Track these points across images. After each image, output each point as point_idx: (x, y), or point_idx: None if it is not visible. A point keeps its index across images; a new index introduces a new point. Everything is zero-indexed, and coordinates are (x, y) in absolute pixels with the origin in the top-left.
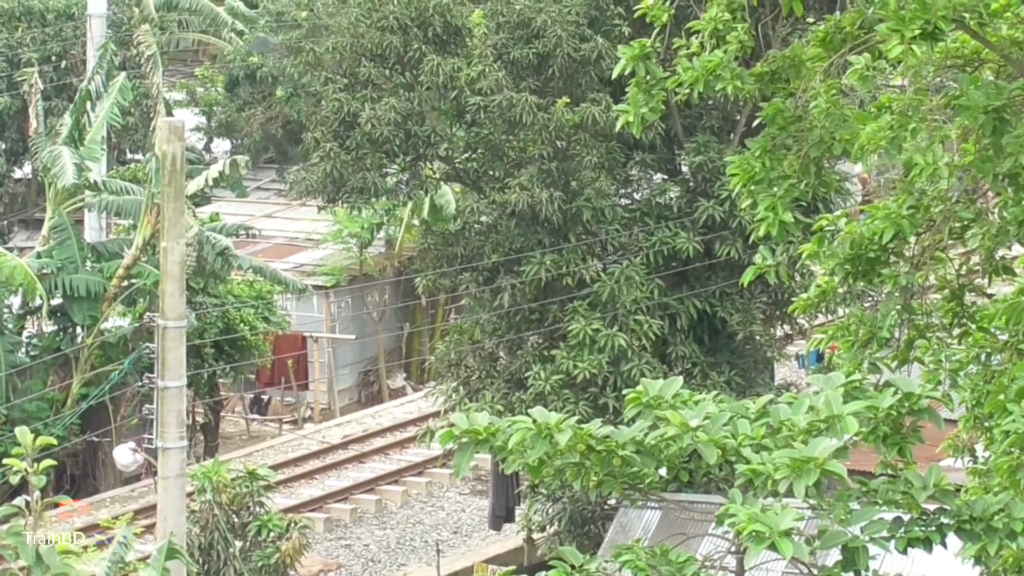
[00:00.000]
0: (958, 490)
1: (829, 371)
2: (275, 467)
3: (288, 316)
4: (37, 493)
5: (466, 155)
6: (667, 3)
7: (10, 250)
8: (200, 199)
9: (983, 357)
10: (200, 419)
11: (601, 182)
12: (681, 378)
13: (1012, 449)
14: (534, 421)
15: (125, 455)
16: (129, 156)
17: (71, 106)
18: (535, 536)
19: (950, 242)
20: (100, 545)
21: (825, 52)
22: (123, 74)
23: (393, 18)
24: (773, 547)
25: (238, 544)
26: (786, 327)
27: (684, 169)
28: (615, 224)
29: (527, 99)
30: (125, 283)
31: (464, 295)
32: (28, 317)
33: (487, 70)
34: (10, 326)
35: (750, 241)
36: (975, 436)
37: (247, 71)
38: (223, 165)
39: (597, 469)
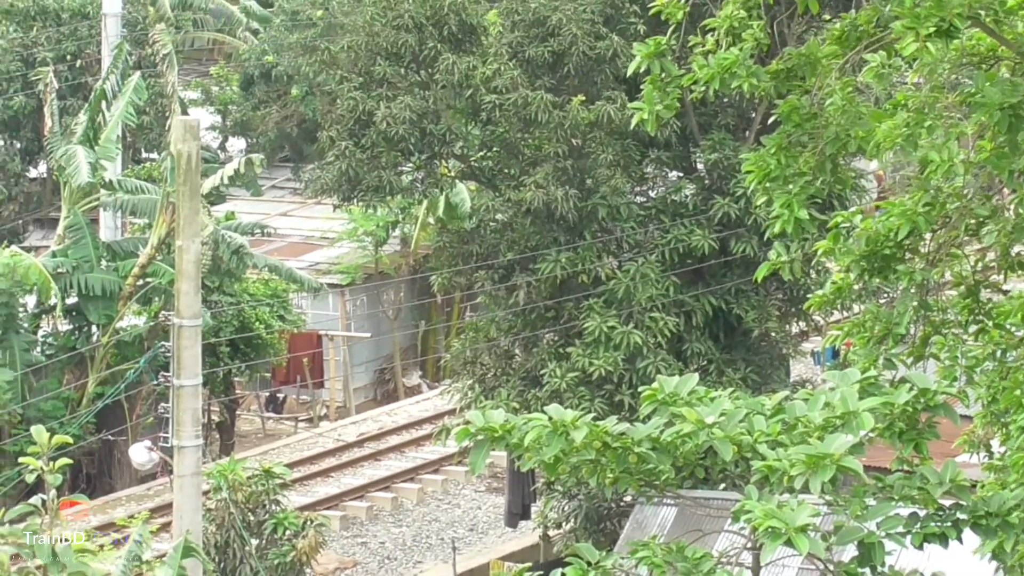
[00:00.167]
0: (974, 486)
1: (845, 367)
2: (291, 465)
3: (303, 314)
4: (53, 492)
5: (481, 153)
6: (682, 1)
7: (26, 249)
8: (215, 198)
9: (999, 353)
10: (216, 417)
11: (616, 180)
12: (697, 375)
13: None
14: (550, 418)
15: (141, 454)
16: (144, 155)
17: (86, 105)
18: (551, 533)
19: (966, 239)
20: (116, 544)
21: (841, 50)
22: (138, 73)
23: (408, 17)
24: (789, 543)
25: (254, 542)
26: (802, 324)
27: (699, 167)
28: (630, 222)
29: (542, 97)
30: (140, 282)
31: (479, 293)
32: (43, 316)
33: (502, 68)
34: (26, 325)
35: (765, 238)
36: (991, 432)
37: (262, 70)
38: (238, 164)
39: (613, 466)
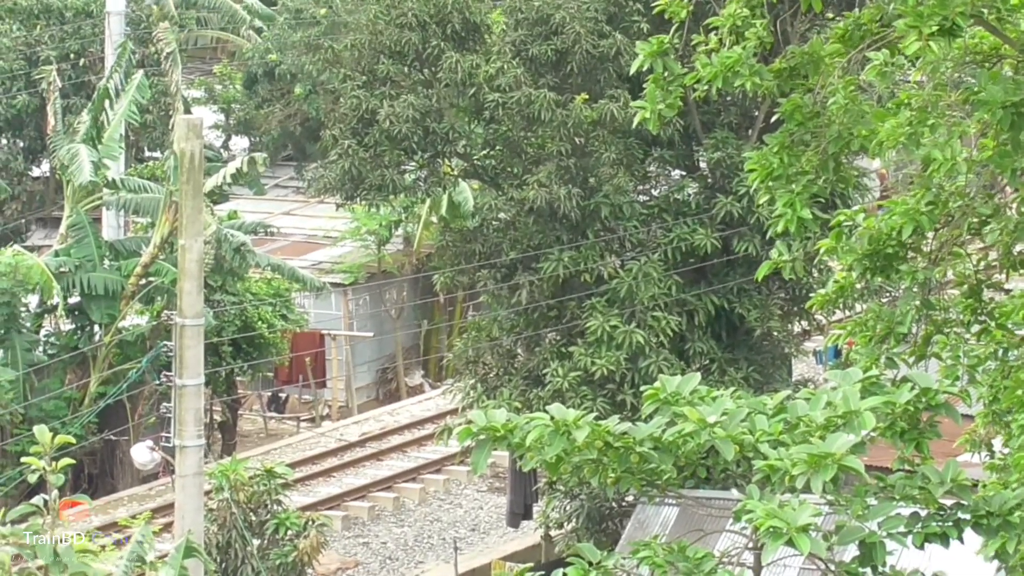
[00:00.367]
0: (975, 485)
1: (847, 367)
2: (293, 465)
3: (306, 314)
4: (55, 492)
5: (484, 152)
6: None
7: (28, 248)
8: (218, 197)
9: (1001, 353)
10: (218, 417)
11: (619, 179)
12: (699, 374)
13: None
14: (552, 418)
15: (143, 453)
16: (147, 154)
17: (89, 104)
18: (553, 533)
19: (968, 237)
20: (118, 544)
21: (844, 48)
22: (141, 72)
23: (412, 15)
24: (791, 543)
25: (256, 542)
26: (804, 323)
27: (702, 165)
28: (633, 221)
29: (545, 96)
30: (143, 281)
31: (482, 292)
32: (46, 315)
33: (505, 67)
34: (28, 324)
35: (768, 237)
36: (993, 431)
37: (265, 68)
38: (241, 163)
39: (615, 466)
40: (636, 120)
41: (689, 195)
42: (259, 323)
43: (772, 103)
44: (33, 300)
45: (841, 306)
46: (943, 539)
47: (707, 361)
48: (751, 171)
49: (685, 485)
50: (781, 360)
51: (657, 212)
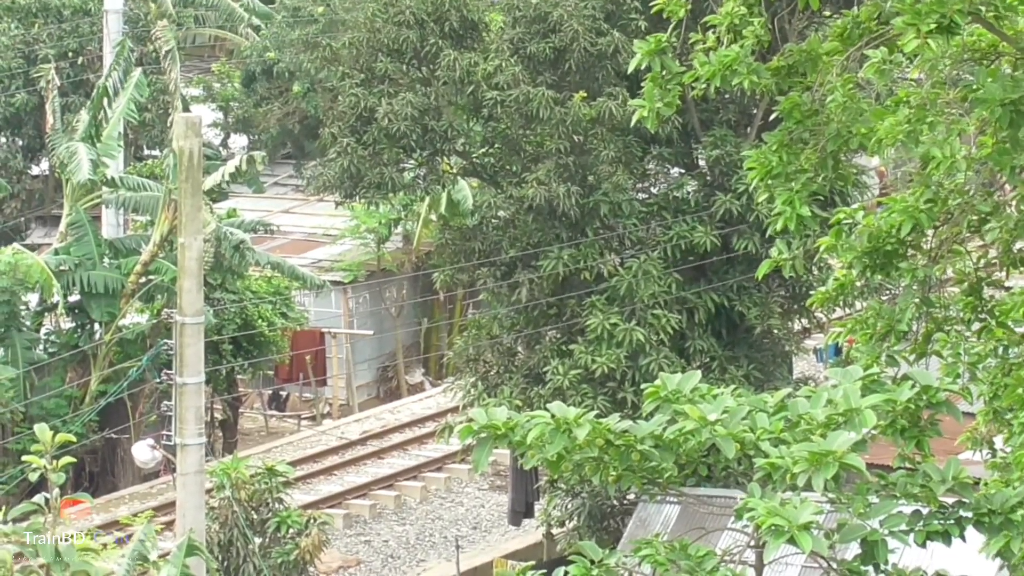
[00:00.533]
0: (977, 483)
1: (847, 364)
2: (294, 463)
3: (306, 312)
4: (56, 490)
5: (483, 150)
6: None
7: (28, 247)
8: (217, 195)
9: (1001, 350)
10: (218, 415)
11: (618, 176)
12: (699, 372)
13: None
14: (552, 416)
15: (144, 452)
16: (146, 152)
17: (88, 102)
18: (554, 531)
19: (968, 235)
20: (119, 542)
21: (842, 46)
22: (139, 70)
23: (410, 13)
24: (792, 541)
25: (257, 540)
26: (804, 321)
27: (701, 163)
28: (632, 218)
29: (544, 93)
30: (143, 279)
31: (482, 290)
32: (46, 314)
33: (504, 65)
34: (28, 323)
35: (767, 235)
36: (994, 429)
37: (264, 66)
38: (240, 161)
39: (616, 464)
40: (634, 119)
41: (688, 193)
42: (259, 321)
43: (771, 100)
44: (33, 298)
45: (841, 304)
46: (945, 537)
47: (707, 359)
48: (750, 169)
49: (686, 483)
50: (781, 358)
51: (656, 210)
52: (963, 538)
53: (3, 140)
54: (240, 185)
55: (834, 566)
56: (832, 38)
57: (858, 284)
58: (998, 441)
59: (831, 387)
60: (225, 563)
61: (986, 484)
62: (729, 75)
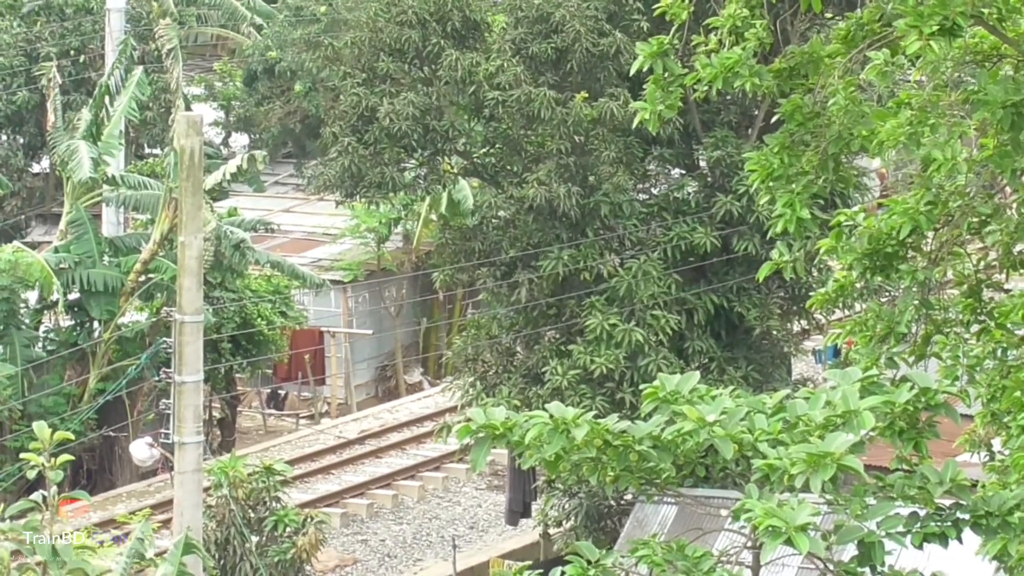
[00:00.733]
0: (974, 485)
1: (846, 366)
2: (292, 462)
3: (305, 311)
4: (54, 488)
5: (484, 150)
6: (686, 0)
7: (28, 244)
8: (218, 194)
9: (1000, 353)
10: (217, 414)
11: (619, 177)
12: (698, 373)
13: None
14: (551, 416)
15: (142, 450)
16: (147, 150)
17: (89, 100)
18: (551, 531)
19: (968, 237)
20: (116, 540)
21: (845, 48)
22: (140, 68)
23: (412, 12)
24: (789, 542)
25: (254, 539)
26: (803, 322)
27: (702, 164)
28: (633, 219)
29: (545, 94)
30: (142, 278)
31: (481, 290)
32: (45, 312)
33: (505, 65)
34: (27, 321)
35: (768, 236)
36: (992, 432)
37: (265, 65)
38: (241, 160)
39: (614, 464)
40: (636, 120)
41: (689, 194)
42: (258, 320)
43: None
44: (32, 296)
45: (840, 305)
46: (942, 539)
47: (706, 360)
48: (751, 171)
49: (684, 484)
50: (780, 359)
51: (657, 211)
52: (960, 540)
53: (4, 138)
54: (241, 184)
55: (831, 567)
56: (835, 40)
57: (858, 286)
58: (996, 443)
59: (830, 388)
60: (222, 561)
61: (984, 486)
62: (731, 77)
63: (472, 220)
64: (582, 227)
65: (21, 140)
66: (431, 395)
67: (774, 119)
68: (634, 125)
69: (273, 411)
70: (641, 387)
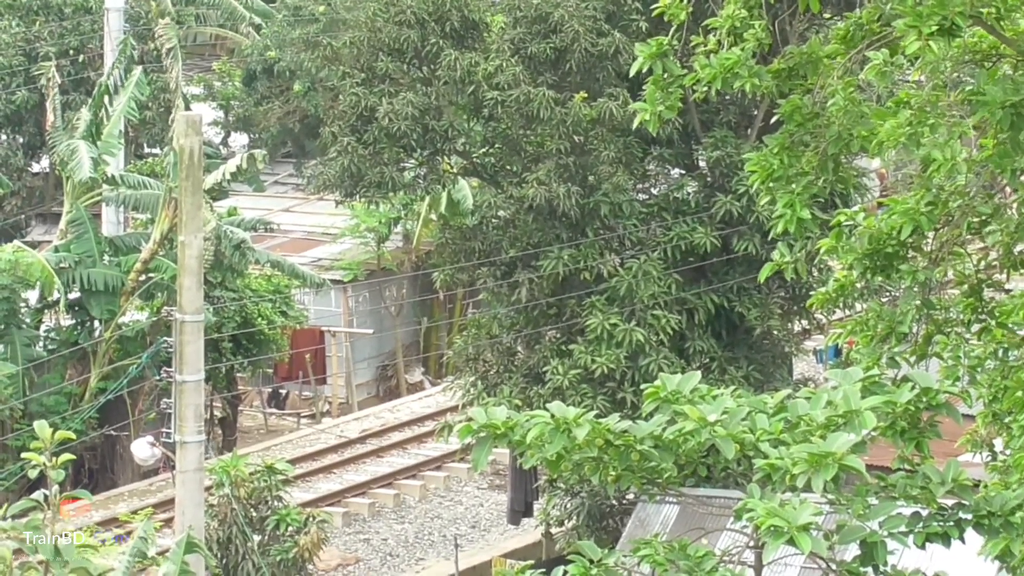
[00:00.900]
0: (976, 485)
1: (847, 366)
2: (293, 461)
3: (306, 310)
4: (55, 487)
5: (483, 150)
6: (685, 1)
7: (28, 244)
8: (218, 193)
9: (1001, 353)
10: (218, 413)
11: (618, 177)
12: (699, 373)
13: None
14: (552, 416)
15: (143, 449)
16: (147, 150)
17: (89, 100)
18: (553, 531)
19: (968, 237)
20: (118, 539)
21: (843, 48)
22: (139, 68)
23: (410, 12)
24: (791, 542)
25: (256, 538)
26: (804, 322)
27: (702, 164)
28: (632, 219)
29: (544, 94)
30: (143, 277)
31: (482, 290)
32: (46, 311)
33: (504, 65)
34: (28, 320)
35: (768, 236)
36: (993, 432)
37: (264, 65)
38: (241, 159)
39: (615, 464)
40: (636, 122)
41: (688, 193)
42: (259, 319)
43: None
44: (33, 295)
45: (841, 305)
46: (944, 539)
47: (707, 360)
48: (751, 172)
49: (686, 483)
50: (781, 359)
51: (656, 210)
52: (962, 540)
53: (4, 137)
54: (240, 184)
55: (833, 567)
56: (834, 40)
57: (858, 286)
58: (998, 443)
59: (831, 388)
60: (224, 560)
61: (986, 486)
62: (730, 78)
63: (472, 220)
64: (582, 227)
65: (21, 139)
66: (432, 394)
67: (773, 119)
68: (634, 126)
69: (274, 410)
70: (642, 387)
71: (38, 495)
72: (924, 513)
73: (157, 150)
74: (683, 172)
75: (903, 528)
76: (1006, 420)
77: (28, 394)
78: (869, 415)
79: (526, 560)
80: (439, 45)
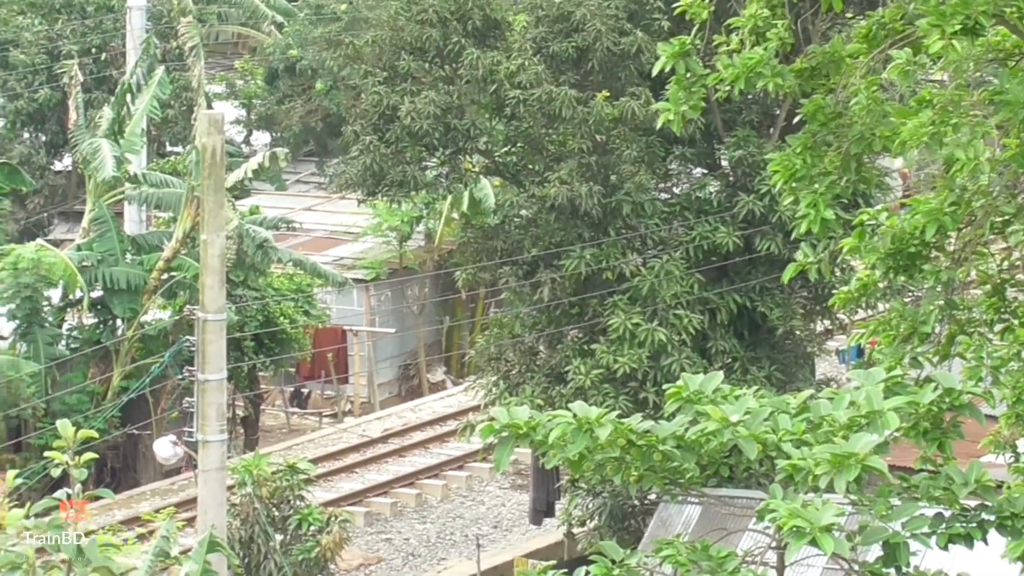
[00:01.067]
0: (999, 486)
1: (870, 366)
2: (315, 461)
3: (328, 309)
4: (78, 486)
5: (505, 149)
6: (707, 0)
7: (51, 242)
8: (240, 192)
9: None
10: (240, 412)
11: (641, 176)
12: (721, 373)
13: None
14: (574, 415)
15: (165, 448)
16: (169, 149)
17: (111, 99)
18: (575, 531)
19: (991, 237)
20: (140, 538)
21: (866, 48)
22: (162, 67)
23: (433, 11)
24: (814, 543)
25: (278, 537)
26: (826, 322)
27: (724, 163)
28: (655, 218)
29: (566, 93)
30: (165, 276)
31: (504, 289)
32: (68, 310)
33: (526, 64)
34: (50, 319)
35: (791, 236)
36: (1017, 433)
37: (287, 64)
38: (263, 158)
39: (637, 464)
40: (659, 122)
41: (711, 193)
42: (281, 318)
43: (794, 102)
44: (56, 294)
45: (864, 305)
46: (967, 540)
47: (729, 360)
48: (774, 172)
49: (708, 484)
50: (804, 359)
51: (679, 210)
52: (985, 541)
53: (26, 136)
54: (262, 182)
55: (856, 568)
56: (856, 40)
57: (881, 285)
58: (1021, 444)
59: (854, 389)
60: (246, 559)
61: (1009, 488)
62: (753, 77)
63: (494, 219)
64: (604, 226)
65: (43, 138)
66: (454, 394)
67: (796, 119)
68: (658, 126)
69: (296, 409)
70: (664, 387)
71: (61, 494)
72: (947, 514)
73: (179, 148)
74: (705, 171)
75: (926, 529)
76: None
77: (50, 393)
78: (892, 416)
79: (548, 560)
80: (461, 44)
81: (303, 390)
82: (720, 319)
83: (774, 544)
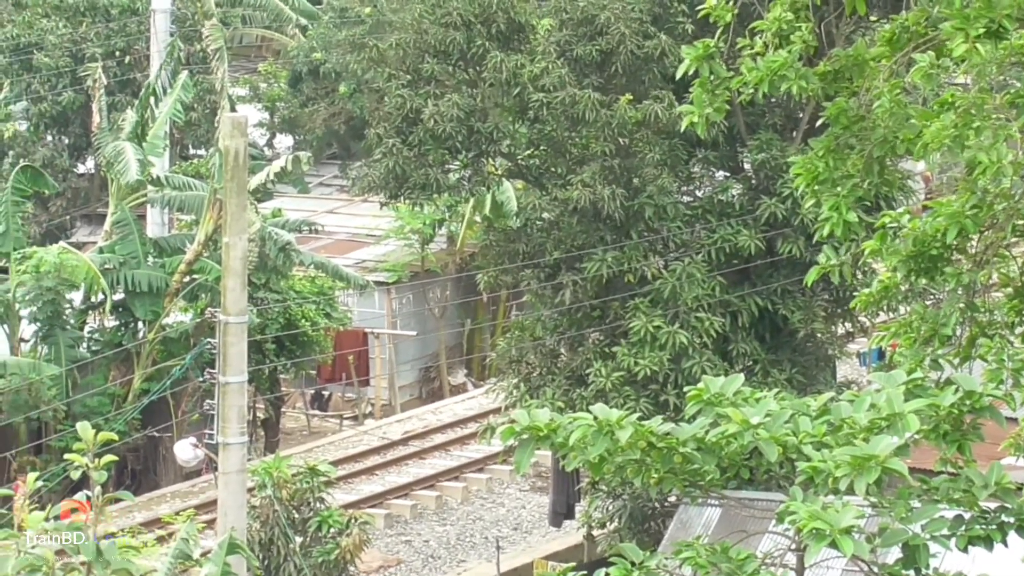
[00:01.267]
0: (1020, 489)
1: (891, 369)
2: (335, 463)
3: (349, 312)
4: (98, 488)
5: (528, 152)
6: (730, 3)
7: (73, 245)
8: (262, 195)
9: None
10: (261, 415)
11: (663, 179)
12: (742, 375)
13: None
14: (595, 418)
15: (186, 450)
16: (192, 151)
17: (135, 102)
18: (595, 533)
19: (1013, 240)
20: (160, 540)
21: (890, 51)
22: (185, 71)
23: (456, 14)
24: (834, 545)
25: (298, 540)
26: (847, 325)
27: (746, 167)
28: (677, 221)
29: (590, 96)
30: (187, 278)
31: (526, 292)
32: (90, 312)
33: (550, 67)
34: (72, 321)
35: (813, 239)
36: None
37: (310, 67)
38: (285, 161)
39: (658, 466)
40: (683, 125)
41: (733, 196)
42: (303, 321)
43: (817, 105)
44: (77, 296)
45: (885, 308)
46: (987, 543)
47: (750, 362)
48: (797, 175)
49: (728, 486)
50: (825, 362)
51: (701, 213)
52: (1005, 543)
53: (50, 138)
54: (285, 185)
55: (875, 570)
56: (880, 43)
57: (902, 288)
58: None
59: (874, 391)
60: (266, 562)
61: None
62: (777, 80)
63: (516, 222)
64: (626, 229)
65: (66, 140)
66: (475, 396)
67: (819, 122)
68: (682, 129)
69: (317, 412)
70: (685, 389)
71: (81, 496)
72: (967, 516)
73: (202, 151)
74: (728, 175)
75: (945, 531)
76: None
77: (72, 395)
78: (912, 418)
79: (568, 562)
80: (485, 47)
81: (324, 392)
82: (741, 322)
83: (794, 546)
